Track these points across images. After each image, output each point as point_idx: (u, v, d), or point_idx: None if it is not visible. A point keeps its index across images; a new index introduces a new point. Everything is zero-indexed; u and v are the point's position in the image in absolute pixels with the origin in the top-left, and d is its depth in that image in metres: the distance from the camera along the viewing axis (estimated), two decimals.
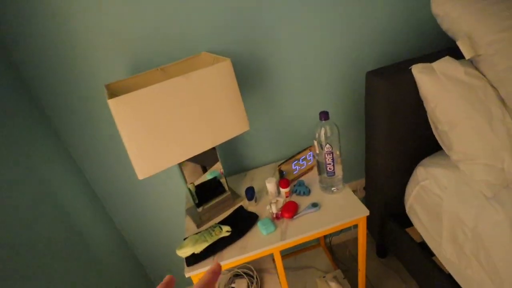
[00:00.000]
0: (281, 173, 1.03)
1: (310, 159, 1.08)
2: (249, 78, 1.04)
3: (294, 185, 1.02)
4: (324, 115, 0.87)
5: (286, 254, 1.50)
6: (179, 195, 1.19)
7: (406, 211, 1.11)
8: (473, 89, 0.85)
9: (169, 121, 0.73)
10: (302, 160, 1.07)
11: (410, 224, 1.12)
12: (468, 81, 0.86)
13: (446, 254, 0.89)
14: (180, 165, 0.87)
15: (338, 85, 1.14)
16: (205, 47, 0.95)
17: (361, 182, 1.40)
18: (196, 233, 0.86)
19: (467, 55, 0.86)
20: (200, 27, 0.92)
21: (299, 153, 1.05)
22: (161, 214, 1.21)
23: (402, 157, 1.07)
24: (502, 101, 0.84)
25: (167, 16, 0.88)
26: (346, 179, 1.38)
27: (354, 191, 1.40)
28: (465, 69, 0.87)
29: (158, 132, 0.73)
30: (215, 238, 0.85)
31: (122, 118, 0.68)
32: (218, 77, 0.78)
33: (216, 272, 0.25)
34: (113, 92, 0.83)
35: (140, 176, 0.74)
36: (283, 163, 1.03)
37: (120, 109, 0.67)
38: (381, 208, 1.19)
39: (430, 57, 0.99)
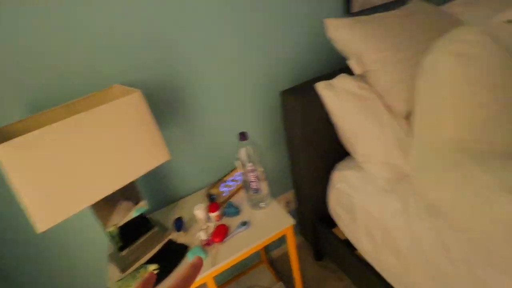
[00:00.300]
0: (210, 197, 1.02)
1: (239, 179, 1.10)
2: (167, 106, 1.01)
3: (224, 208, 1.02)
4: (243, 136, 0.90)
5: (228, 279, 1.47)
6: (100, 241, 1.07)
7: (330, 213, 1.20)
8: (365, 99, 0.99)
9: (72, 161, 0.66)
10: (231, 181, 1.08)
11: (335, 224, 1.22)
12: (361, 93, 1.00)
13: (364, 246, 0.99)
14: (94, 208, 0.79)
15: (259, 105, 1.20)
16: (118, 79, 0.90)
17: (293, 193, 1.47)
18: (119, 280, 0.78)
19: (356, 72, 1.00)
20: (111, 58, 0.87)
21: (226, 175, 1.06)
22: (75, 269, 1.06)
23: (321, 165, 1.17)
24: (389, 108, 0.99)
25: (72, 46, 0.81)
26: (279, 192, 1.44)
27: (288, 203, 1.47)
28: (358, 83, 1.01)
29: (59, 175, 0.65)
30: (140, 280, 0.78)
31: (12, 165, 0.58)
32: (128, 110, 0.74)
33: (197, 266, 0.25)
34: (7, 136, 0.72)
35: (41, 227, 0.64)
36: (211, 187, 1.02)
37: (8, 155, 0.58)
38: (312, 214, 1.27)
39: (334, 75, 1.13)
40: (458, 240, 0.72)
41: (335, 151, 1.18)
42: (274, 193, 1.42)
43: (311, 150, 1.12)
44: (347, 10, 1.23)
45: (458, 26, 1.07)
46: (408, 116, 0.97)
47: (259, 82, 1.17)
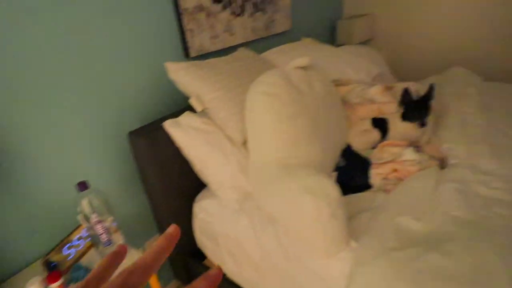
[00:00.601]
0: (49, 266, 0.86)
1: (86, 235, 0.98)
2: None
3: (71, 273, 0.88)
4: (82, 186, 0.82)
5: None
6: None
7: (198, 246, 1.23)
8: (209, 133, 1.11)
9: None
10: (77, 240, 0.94)
11: (205, 256, 1.25)
12: (204, 128, 1.11)
13: (229, 267, 1.06)
14: None
15: (107, 150, 1.13)
16: None
17: (159, 236, 1.41)
18: None
19: (197, 109, 1.11)
20: None
21: (70, 234, 0.92)
22: None
23: (182, 201, 1.19)
24: (229, 138, 1.14)
25: None
26: (144, 238, 1.35)
27: None
28: (201, 119, 1.12)
29: None
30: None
31: None
32: None
33: (173, 235, 0.22)
34: None
35: None
36: (49, 253, 0.86)
37: None
38: (182, 253, 1.25)
39: (182, 112, 1.20)
40: (290, 240, 0.88)
41: (194, 185, 1.23)
42: (139, 241, 1.33)
43: (170, 188, 1.13)
44: (187, 55, 1.36)
45: (267, 70, 1.37)
46: (245, 143, 1.14)
47: (104, 127, 1.11)
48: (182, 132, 1.08)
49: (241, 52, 1.46)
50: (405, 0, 2.38)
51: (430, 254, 0.71)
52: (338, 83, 1.37)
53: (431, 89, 1.12)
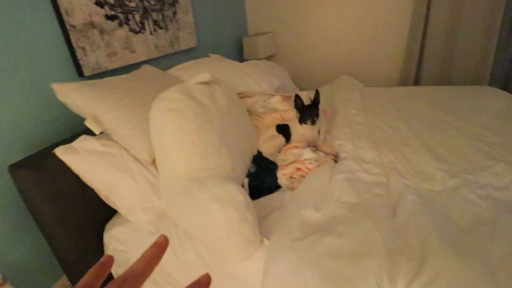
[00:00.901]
0: None
1: None
2: None
3: None
4: None
5: None
6: None
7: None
8: (112, 156, 1.04)
9: None
10: None
11: None
12: (106, 150, 1.03)
13: None
14: None
15: None
16: None
17: (65, 278, 1.23)
18: None
19: (96, 131, 1.03)
20: None
21: None
22: None
23: (89, 233, 1.07)
24: (136, 158, 1.09)
25: None
26: (48, 284, 1.16)
27: None
28: (101, 142, 1.04)
29: None
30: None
31: None
32: None
33: (163, 244, 0.23)
34: None
35: None
36: None
37: None
38: None
39: (77, 136, 1.09)
40: (207, 251, 0.89)
41: (101, 214, 1.12)
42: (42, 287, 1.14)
43: (71, 222, 1.01)
44: (80, 74, 1.26)
45: (170, 87, 1.38)
46: (154, 162, 1.11)
47: None
48: (79, 157, 0.98)
49: (145, 69, 1.42)
50: (299, 19, 2.70)
51: (326, 238, 0.81)
52: (243, 95, 1.46)
53: (316, 94, 1.30)
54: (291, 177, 1.14)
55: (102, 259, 0.23)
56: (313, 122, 1.28)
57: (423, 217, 0.85)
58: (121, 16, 1.40)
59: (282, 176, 1.13)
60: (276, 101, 1.35)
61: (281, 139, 1.32)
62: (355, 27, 2.55)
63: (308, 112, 1.30)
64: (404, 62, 2.48)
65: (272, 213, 1.01)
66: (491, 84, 2.30)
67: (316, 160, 1.17)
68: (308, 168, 1.15)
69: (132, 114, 1.07)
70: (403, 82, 2.52)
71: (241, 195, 0.84)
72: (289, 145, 1.26)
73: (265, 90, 1.55)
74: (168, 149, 0.95)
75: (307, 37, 2.75)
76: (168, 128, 0.93)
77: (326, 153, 1.26)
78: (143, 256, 0.23)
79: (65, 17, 1.15)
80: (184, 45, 1.86)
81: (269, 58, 2.83)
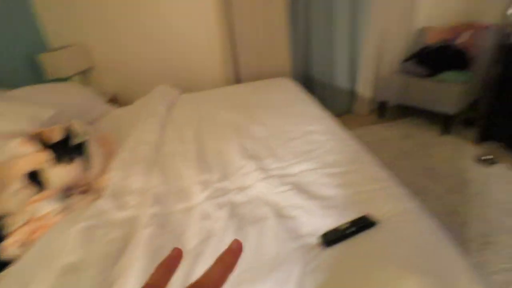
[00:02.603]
0: None
1: None
2: None
3: None
4: None
5: None
6: None
7: None
8: None
9: None
10: None
11: None
12: None
13: None
14: None
15: None
16: None
17: None
18: None
19: None
20: None
21: None
22: None
23: None
24: None
25: None
26: None
27: None
28: None
29: None
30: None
31: None
32: None
33: (237, 251, 0.23)
34: None
35: None
36: None
37: None
38: None
39: None
40: None
41: None
42: None
43: None
44: None
45: None
46: None
47: None
48: None
49: None
50: (116, 29, 2.44)
51: None
52: None
53: (73, 125, 1.12)
54: (24, 243, 0.94)
55: (171, 253, 0.23)
56: (71, 160, 1.10)
57: (143, 256, 0.79)
58: None
59: (13, 244, 0.92)
60: (15, 146, 1.11)
61: (31, 190, 1.09)
62: (172, 32, 2.47)
63: (62, 149, 1.11)
64: (224, 62, 2.56)
65: None
66: (294, 76, 2.61)
67: (64, 209, 1.00)
68: (53, 222, 0.97)
69: None
70: (229, 82, 2.61)
71: None
72: (32, 198, 1.04)
73: (22, 129, 1.26)
74: None
75: (127, 47, 2.53)
76: None
77: (96, 191, 1.11)
78: (217, 264, 0.21)
79: None
80: None
81: (85, 72, 2.48)
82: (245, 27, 2.40)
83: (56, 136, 1.16)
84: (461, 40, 2.41)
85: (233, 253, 0.23)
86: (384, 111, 2.78)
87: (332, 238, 0.78)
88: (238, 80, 2.57)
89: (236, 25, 2.39)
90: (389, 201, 0.90)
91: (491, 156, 2.01)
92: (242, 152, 1.24)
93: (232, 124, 1.51)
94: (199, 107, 1.82)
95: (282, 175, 1.08)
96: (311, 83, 2.76)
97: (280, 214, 0.90)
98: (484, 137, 2.20)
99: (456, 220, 1.58)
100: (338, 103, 2.86)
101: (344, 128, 1.38)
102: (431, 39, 2.56)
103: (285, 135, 1.33)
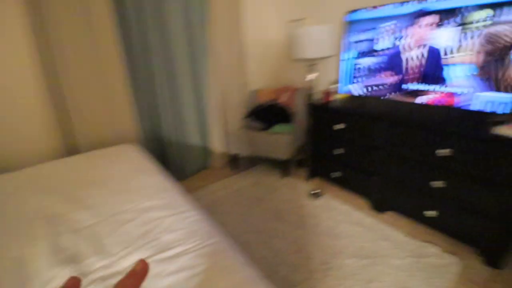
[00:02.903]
0: None
1: None
2: None
3: None
4: None
5: None
6: None
7: None
8: None
9: None
10: None
11: None
12: None
13: None
14: None
15: None
16: None
17: None
18: None
19: None
20: None
21: None
22: None
23: None
24: None
25: None
26: None
27: None
28: None
29: None
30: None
31: None
32: None
33: (142, 273, 0.21)
34: None
35: None
36: None
37: None
38: None
39: None
40: None
41: None
42: None
43: None
44: None
45: None
46: None
47: None
48: None
49: None
50: None
51: None
52: None
53: None
54: None
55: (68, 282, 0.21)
56: None
57: None
58: None
59: None
60: None
61: None
62: None
63: None
64: (52, 131, 2.15)
65: None
66: (146, 137, 2.49)
67: None
68: None
69: None
70: (59, 154, 2.19)
71: None
72: None
73: None
74: None
75: None
76: None
77: None
78: (118, 287, 0.19)
79: None
80: None
81: None
82: (76, 92, 2.15)
83: None
84: (283, 99, 2.99)
85: (135, 276, 0.21)
86: (237, 162, 3.01)
87: None
88: (74, 150, 2.20)
89: (64, 89, 2.10)
90: (223, 276, 0.89)
91: (318, 190, 2.47)
92: (54, 254, 0.98)
93: (45, 214, 1.20)
94: (10, 193, 1.40)
95: (108, 276, 0.90)
96: (163, 143, 2.70)
97: None
98: (312, 175, 2.69)
99: (302, 256, 1.78)
100: (193, 160, 2.90)
101: (187, 196, 1.35)
102: (262, 99, 3.06)
103: (118, 218, 1.17)
